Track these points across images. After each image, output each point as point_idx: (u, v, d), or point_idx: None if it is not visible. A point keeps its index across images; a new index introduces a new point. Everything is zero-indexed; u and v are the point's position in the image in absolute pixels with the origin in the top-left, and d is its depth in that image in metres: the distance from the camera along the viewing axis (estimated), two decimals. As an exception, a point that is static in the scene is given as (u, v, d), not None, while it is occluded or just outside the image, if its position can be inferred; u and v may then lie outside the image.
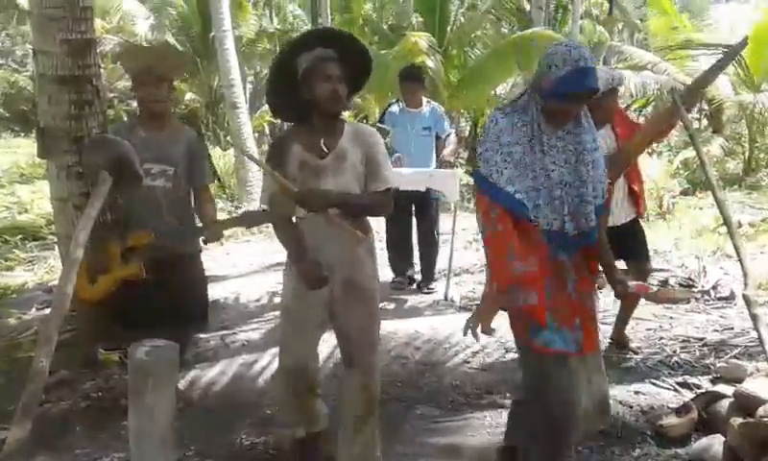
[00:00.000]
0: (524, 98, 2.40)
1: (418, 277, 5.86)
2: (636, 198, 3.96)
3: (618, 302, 4.18)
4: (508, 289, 2.33)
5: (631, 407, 3.46)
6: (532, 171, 2.31)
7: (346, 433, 2.89)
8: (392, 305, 5.37)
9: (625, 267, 4.20)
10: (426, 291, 5.67)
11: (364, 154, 2.74)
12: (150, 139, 3.35)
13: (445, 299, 5.47)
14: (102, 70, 4.42)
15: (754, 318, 2.35)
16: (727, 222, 2.59)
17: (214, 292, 5.72)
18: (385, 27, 14.30)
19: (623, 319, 4.24)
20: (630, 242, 4.01)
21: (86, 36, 3.92)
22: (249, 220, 3.56)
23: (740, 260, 2.50)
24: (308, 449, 3.05)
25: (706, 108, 13.93)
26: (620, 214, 3.91)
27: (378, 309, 2.92)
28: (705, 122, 14.32)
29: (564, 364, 2.42)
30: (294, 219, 2.79)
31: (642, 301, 5.09)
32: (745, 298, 2.44)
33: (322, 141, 2.69)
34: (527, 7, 15.65)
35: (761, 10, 12.97)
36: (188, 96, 16.23)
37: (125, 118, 15.26)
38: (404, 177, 5.04)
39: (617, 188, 3.84)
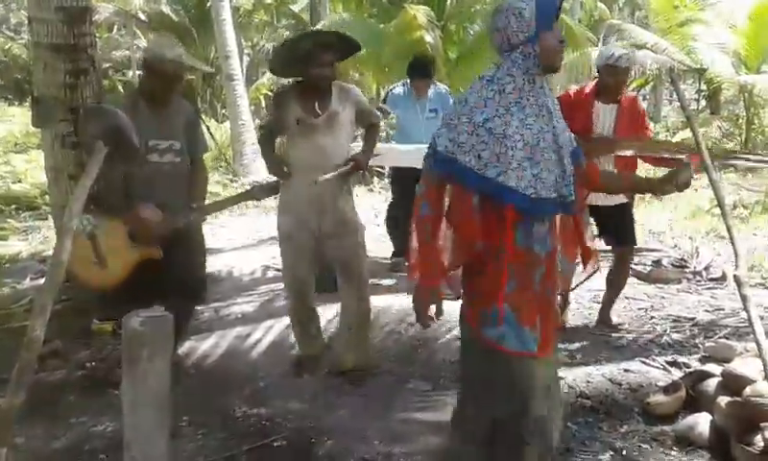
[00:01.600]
0: (492, 72, 2.16)
1: None
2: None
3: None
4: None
5: (620, 385, 3.50)
6: (516, 137, 2.07)
7: (344, 338, 3.67)
8: (387, 281, 5.39)
9: (607, 248, 4.26)
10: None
11: (353, 110, 3.48)
12: (155, 115, 3.31)
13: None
14: (97, 40, 4.39)
15: (744, 299, 2.37)
16: (720, 203, 2.60)
17: (209, 265, 5.74)
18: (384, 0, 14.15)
19: (609, 299, 4.28)
20: (616, 225, 4.05)
21: (82, 4, 3.89)
22: (233, 201, 3.86)
23: (732, 242, 2.51)
24: (306, 368, 3.72)
25: (704, 88, 13.90)
26: (607, 195, 3.92)
27: (363, 238, 3.60)
28: (703, 103, 14.29)
29: (518, 365, 2.15)
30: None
31: (636, 281, 5.19)
32: (736, 279, 2.45)
33: (316, 104, 3.35)
34: (527, -17, 15.47)
35: (762, -10, 12.90)
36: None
37: (121, 89, 15.18)
38: (409, 153, 5.01)
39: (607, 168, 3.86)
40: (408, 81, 5.53)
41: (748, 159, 4.97)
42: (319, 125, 3.36)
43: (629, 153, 3.78)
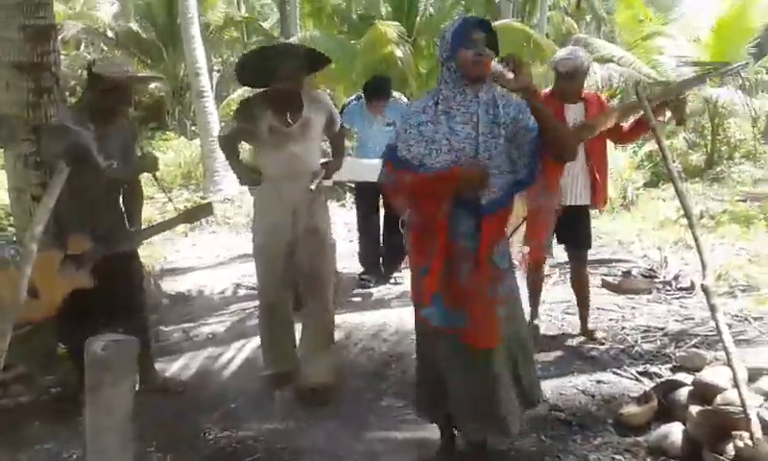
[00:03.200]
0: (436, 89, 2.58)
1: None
2: (596, 187, 4.00)
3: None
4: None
5: (593, 396, 3.51)
6: (443, 142, 2.48)
7: (307, 358, 3.59)
8: (359, 298, 5.37)
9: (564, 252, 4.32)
10: (392, 282, 5.64)
11: (324, 117, 3.51)
12: (98, 134, 3.17)
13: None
14: (64, 57, 4.32)
15: (712, 308, 2.40)
16: (687, 213, 2.64)
17: (179, 284, 5.67)
18: (354, 16, 14.20)
19: (581, 313, 4.32)
20: (572, 227, 4.09)
21: (46, 22, 3.83)
22: (169, 225, 3.68)
23: (699, 251, 2.54)
24: (277, 387, 3.61)
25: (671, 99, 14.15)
26: (572, 196, 3.98)
27: (333, 252, 3.66)
28: (668, 114, 14.53)
29: (442, 342, 2.59)
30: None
31: (606, 291, 5.24)
32: (704, 288, 2.48)
33: (288, 113, 3.35)
34: (496, -2, 15.72)
35: (725, 3, 13.21)
36: (153, 85, 15.96)
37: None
38: (363, 166, 4.98)
39: (574, 170, 3.90)
40: (362, 94, 5.41)
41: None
42: (292, 133, 3.37)
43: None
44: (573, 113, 3.94)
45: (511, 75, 2.36)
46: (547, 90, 4.07)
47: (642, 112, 3.26)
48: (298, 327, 3.78)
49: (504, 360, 2.62)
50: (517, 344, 2.70)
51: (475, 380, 2.58)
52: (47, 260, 3.08)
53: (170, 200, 3.76)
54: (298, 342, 3.74)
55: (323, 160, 3.67)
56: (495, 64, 2.41)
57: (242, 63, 3.48)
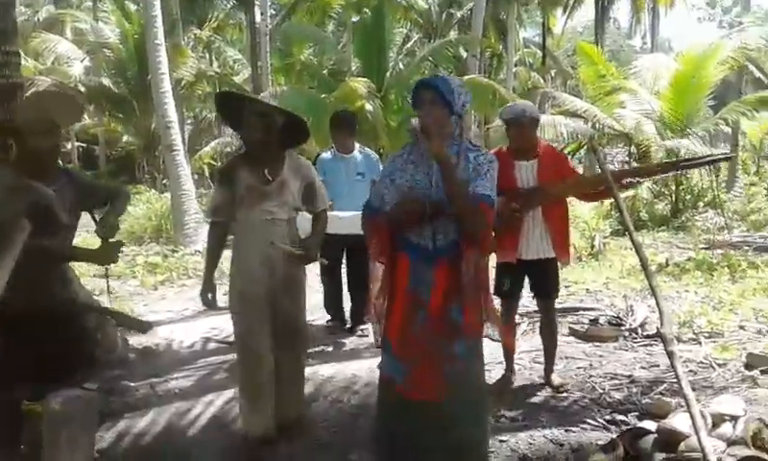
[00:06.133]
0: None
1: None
2: (556, 242, 4.06)
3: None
4: None
5: (561, 445, 3.52)
6: (405, 189, 2.71)
7: (276, 394, 3.46)
8: (330, 348, 5.34)
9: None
10: (359, 334, 5.65)
11: (302, 184, 3.47)
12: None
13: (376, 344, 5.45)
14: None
15: (670, 355, 2.46)
16: (643, 264, 2.72)
17: (147, 339, 5.58)
18: (325, 72, 14.47)
19: (547, 361, 4.35)
20: (539, 277, 4.16)
21: (12, 80, 3.86)
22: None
23: (656, 300, 2.61)
24: (254, 451, 3.45)
25: (635, 150, 14.55)
26: (533, 249, 4.04)
27: (305, 298, 3.62)
28: (634, 164, 14.90)
29: (393, 392, 2.70)
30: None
31: (574, 340, 5.29)
32: (662, 335, 2.54)
33: (266, 171, 3.34)
34: (463, 54, 16.14)
35: (682, 59, 13.74)
36: (125, 138, 15.98)
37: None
38: (342, 220, 5.03)
39: (532, 224, 3.98)
40: (334, 146, 5.54)
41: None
42: (269, 192, 3.36)
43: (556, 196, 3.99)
44: (525, 171, 4.01)
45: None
46: (504, 148, 4.16)
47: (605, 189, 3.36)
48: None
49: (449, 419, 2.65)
50: (468, 410, 2.72)
51: (420, 433, 2.64)
52: None
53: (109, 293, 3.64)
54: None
55: (302, 237, 3.62)
56: (415, 124, 2.62)
57: (224, 98, 3.65)
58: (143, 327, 3.77)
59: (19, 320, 2.84)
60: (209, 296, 3.50)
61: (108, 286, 3.70)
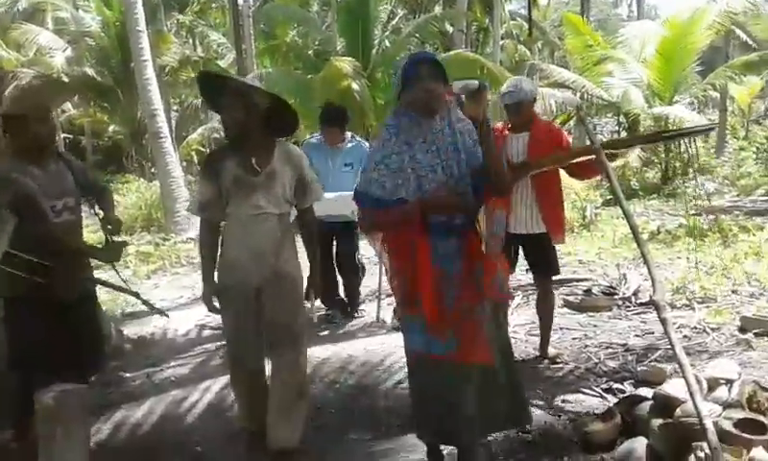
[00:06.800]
0: (390, 117, 2.77)
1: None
2: (548, 219, 4.06)
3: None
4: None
5: (559, 416, 3.54)
6: (408, 171, 2.61)
7: (276, 419, 3.19)
8: (325, 332, 5.34)
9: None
10: (356, 315, 5.64)
11: (293, 174, 3.16)
12: (48, 174, 3.10)
13: (377, 320, 5.46)
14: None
15: (663, 322, 2.45)
16: (634, 232, 2.71)
17: (141, 328, 5.57)
18: (310, 53, 14.34)
19: (543, 334, 4.36)
20: (534, 253, 4.18)
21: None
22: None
23: (648, 268, 2.61)
24: (247, 444, 3.35)
25: (623, 120, 14.54)
26: (521, 223, 4.04)
27: (302, 296, 3.32)
28: (623, 134, 14.91)
29: (433, 366, 2.64)
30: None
31: (568, 311, 5.31)
32: (654, 303, 2.54)
33: (254, 161, 3.05)
34: (449, 29, 16.04)
35: (669, 26, 13.67)
36: (111, 128, 15.84)
37: None
38: (328, 201, 4.97)
39: (520, 198, 3.98)
40: (323, 138, 5.38)
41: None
42: (257, 183, 3.06)
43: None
44: (516, 143, 4.01)
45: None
46: (499, 125, 4.17)
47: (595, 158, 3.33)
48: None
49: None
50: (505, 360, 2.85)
51: (477, 392, 2.67)
52: None
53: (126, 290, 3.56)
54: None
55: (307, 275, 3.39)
56: (458, 85, 2.60)
57: (206, 78, 3.34)
58: (162, 312, 3.75)
59: (44, 306, 2.93)
60: (214, 299, 3.23)
61: (121, 278, 3.65)
